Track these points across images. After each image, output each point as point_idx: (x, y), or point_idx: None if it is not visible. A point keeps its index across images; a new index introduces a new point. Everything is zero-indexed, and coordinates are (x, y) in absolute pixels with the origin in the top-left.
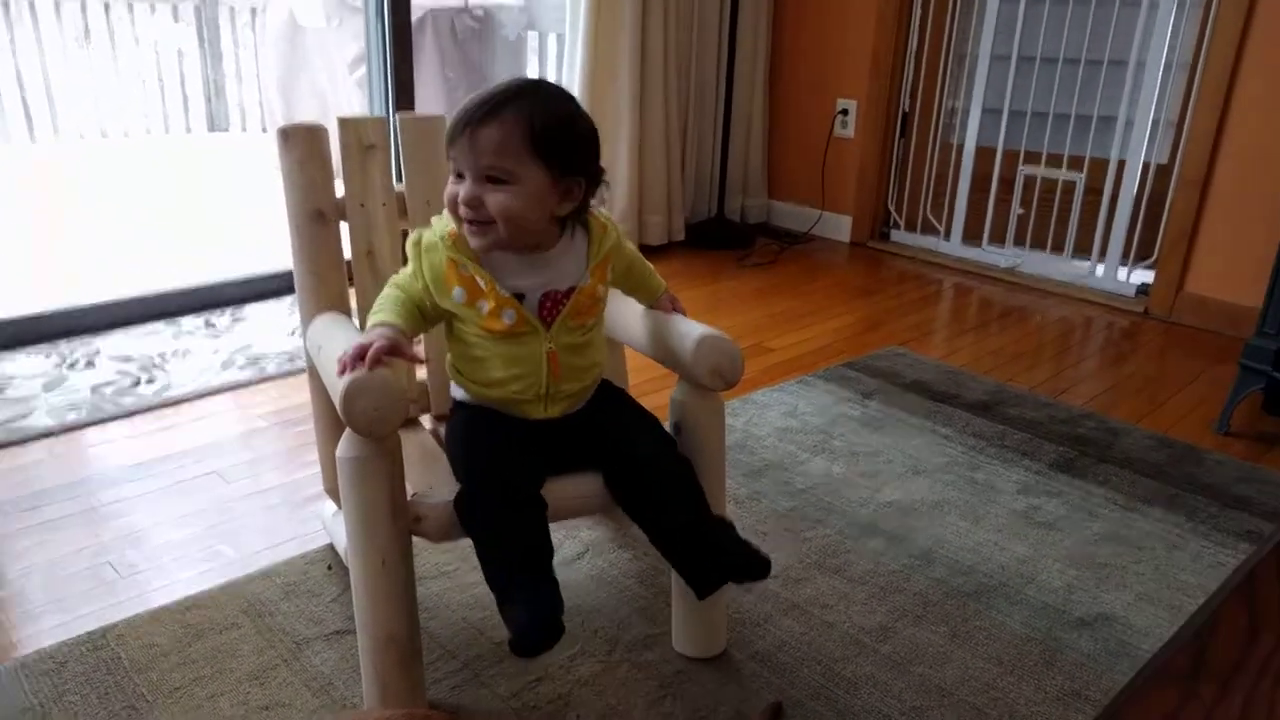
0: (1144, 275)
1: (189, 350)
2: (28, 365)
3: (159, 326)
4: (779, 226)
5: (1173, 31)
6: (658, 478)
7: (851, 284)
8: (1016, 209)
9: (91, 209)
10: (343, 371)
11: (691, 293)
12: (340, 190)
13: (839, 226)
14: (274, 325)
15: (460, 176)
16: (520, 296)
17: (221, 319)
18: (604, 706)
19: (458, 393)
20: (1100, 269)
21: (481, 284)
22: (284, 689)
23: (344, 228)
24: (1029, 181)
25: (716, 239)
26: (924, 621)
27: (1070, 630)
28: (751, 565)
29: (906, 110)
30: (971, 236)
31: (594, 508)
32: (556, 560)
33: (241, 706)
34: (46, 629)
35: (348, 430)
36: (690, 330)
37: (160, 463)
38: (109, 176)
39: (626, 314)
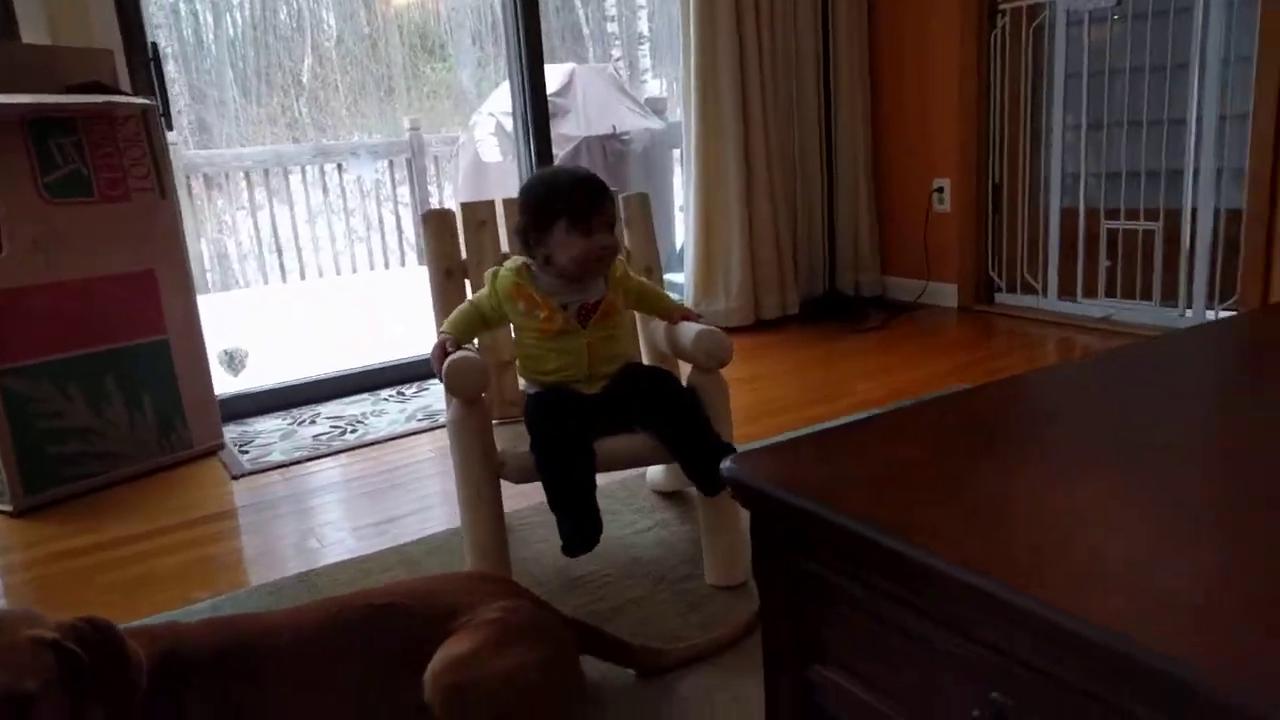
0: (1230, 312)
1: (384, 411)
2: (270, 424)
3: (363, 396)
4: (893, 299)
5: (1222, 87)
6: (679, 413)
7: (951, 341)
8: (1104, 262)
9: (317, 331)
10: (437, 360)
11: (801, 354)
12: (464, 254)
13: (946, 294)
14: None
15: (588, 233)
16: (565, 307)
17: (409, 390)
18: (644, 615)
19: (529, 387)
20: (1189, 312)
21: (538, 299)
22: None
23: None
24: (1112, 236)
25: (829, 311)
26: None
27: None
28: None
29: (997, 181)
30: (1066, 292)
31: (638, 461)
32: (631, 529)
33: None
34: (272, 571)
35: (453, 401)
36: (691, 329)
37: (356, 480)
38: (337, 306)
39: (657, 332)
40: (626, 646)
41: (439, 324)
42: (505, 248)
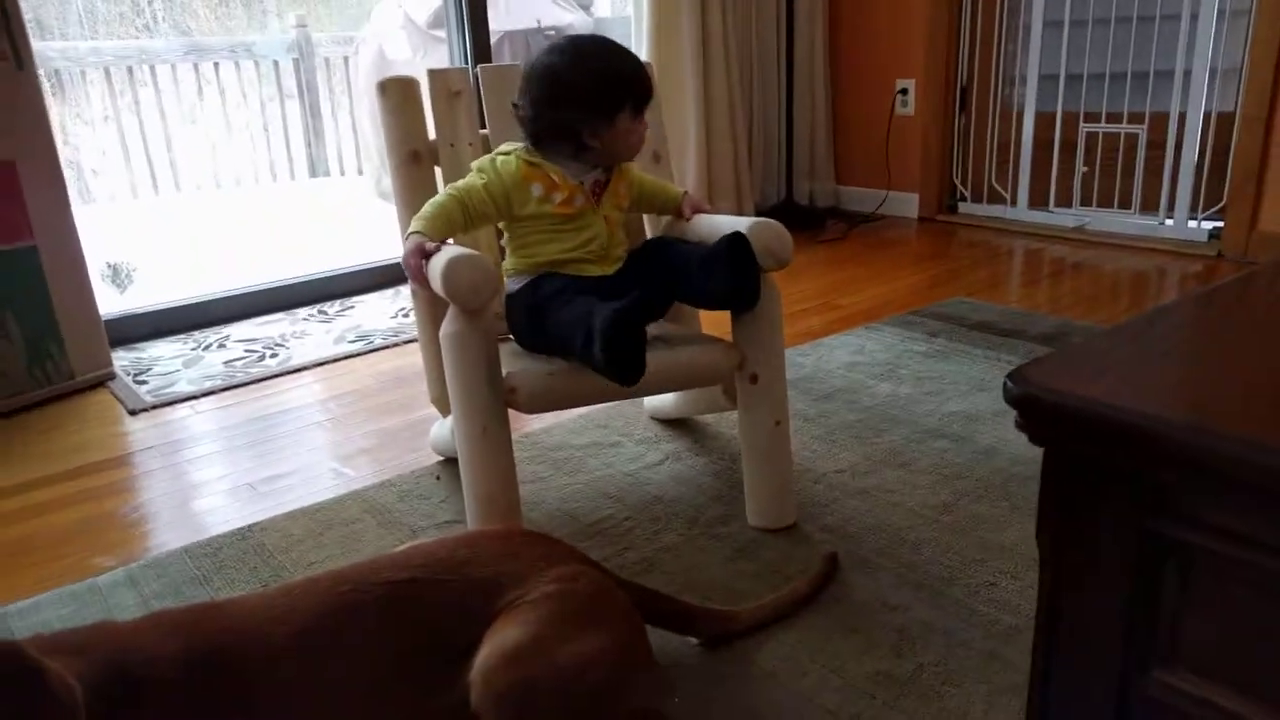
0: (1215, 223)
1: (306, 332)
2: (169, 349)
3: (278, 316)
4: (847, 209)
5: None
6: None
7: (919, 252)
8: (1080, 168)
9: (204, 248)
10: (417, 268)
11: None
12: (433, 134)
13: (906, 204)
14: (379, 311)
15: (642, 120)
16: (580, 184)
17: (332, 308)
18: (684, 566)
19: (516, 281)
20: (1170, 221)
21: (555, 179)
22: None
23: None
24: (1091, 141)
25: (786, 221)
26: (985, 499)
27: None
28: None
29: (965, 84)
30: (1038, 201)
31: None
32: (641, 464)
33: None
34: (199, 529)
35: (450, 310)
36: (738, 223)
37: (288, 412)
38: (224, 221)
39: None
40: (688, 609)
41: (404, 222)
42: (485, 128)
